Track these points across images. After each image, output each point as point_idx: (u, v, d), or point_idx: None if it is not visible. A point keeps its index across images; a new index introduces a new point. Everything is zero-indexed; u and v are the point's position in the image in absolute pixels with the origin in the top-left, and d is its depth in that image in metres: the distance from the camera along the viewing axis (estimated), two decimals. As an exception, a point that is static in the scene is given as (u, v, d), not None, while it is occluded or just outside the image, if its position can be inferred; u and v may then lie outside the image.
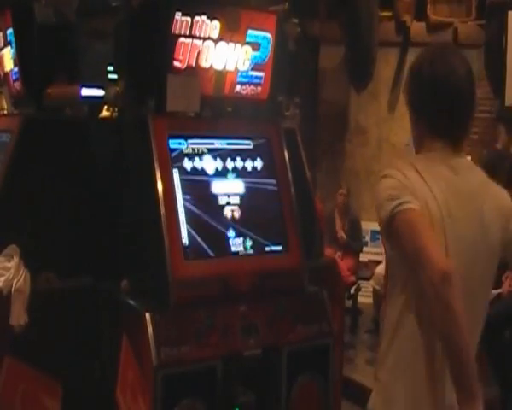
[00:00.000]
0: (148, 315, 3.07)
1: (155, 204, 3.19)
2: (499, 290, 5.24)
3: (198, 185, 3.38)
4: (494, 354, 5.04)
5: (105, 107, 3.91)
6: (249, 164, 3.59)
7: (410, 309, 2.15)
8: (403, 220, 2.07)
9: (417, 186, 2.11)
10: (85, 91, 3.62)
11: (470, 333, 2.06)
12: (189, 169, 3.38)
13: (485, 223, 2.17)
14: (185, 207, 3.28)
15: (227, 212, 3.44)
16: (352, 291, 7.81)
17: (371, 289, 7.93)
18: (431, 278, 1.95)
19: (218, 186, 3.45)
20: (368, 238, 9.03)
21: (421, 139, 2.26)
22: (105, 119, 3.90)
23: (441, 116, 2.19)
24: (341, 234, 7.94)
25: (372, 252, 8.85)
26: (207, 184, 3.42)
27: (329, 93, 9.32)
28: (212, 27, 3.46)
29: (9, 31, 3.86)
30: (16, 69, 3.87)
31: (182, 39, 3.38)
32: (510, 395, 4.92)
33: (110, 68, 3.93)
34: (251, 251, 3.46)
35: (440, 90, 2.16)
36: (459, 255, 2.11)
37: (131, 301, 3.26)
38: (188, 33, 3.38)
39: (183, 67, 3.42)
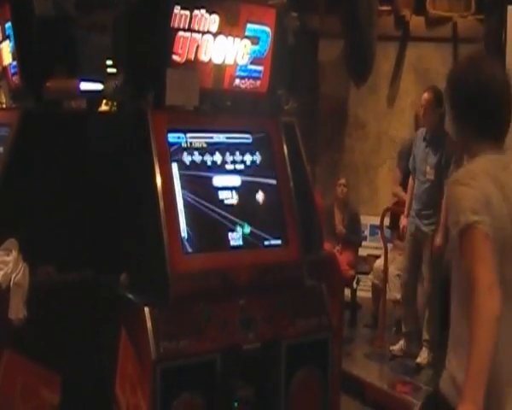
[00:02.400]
0: (146, 309, 3.07)
1: (154, 198, 3.19)
2: None
3: (197, 179, 3.38)
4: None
5: (104, 101, 3.91)
6: (248, 158, 3.60)
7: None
8: (473, 239, 2.25)
9: (494, 200, 2.31)
10: (84, 85, 3.62)
11: None
12: (187, 163, 3.38)
13: None
14: (184, 201, 3.28)
15: (226, 206, 3.44)
16: (355, 286, 7.81)
17: (370, 284, 7.94)
18: (479, 311, 2.16)
19: (216, 180, 3.45)
20: (367, 233, 9.02)
21: (468, 144, 2.48)
22: (104, 113, 3.90)
23: (487, 118, 2.41)
24: (340, 228, 7.92)
25: (371, 246, 8.85)
26: (206, 178, 3.42)
27: (329, 87, 9.31)
28: (211, 21, 3.45)
29: (8, 24, 3.85)
30: (15, 63, 3.86)
31: (181, 33, 3.38)
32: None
33: (109, 62, 3.92)
34: (250, 245, 3.47)
35: (486, 95, 2.39)
36: None
37: (130, 295, 3.26)
38: (187, 27, 3.38)
39: (182, 60, 3.42)
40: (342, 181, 8.07)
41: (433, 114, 6.11)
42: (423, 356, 6.19)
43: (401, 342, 6.51)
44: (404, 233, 6.55)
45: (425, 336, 6.23)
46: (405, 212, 6.58)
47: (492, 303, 2.17)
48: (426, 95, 6.20)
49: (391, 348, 6.54)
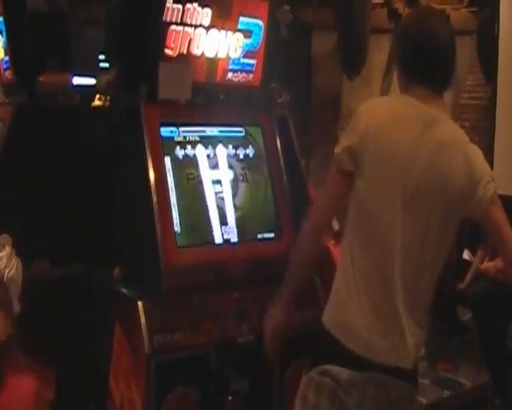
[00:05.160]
0: (140, 303, 3.07)
1: (147, 192, 3.19)
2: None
3: (190, 173, 3.38)
4: (483, 341, 5.08)
5: (97, 95, 3.91)
6: (241, 151, 3.60)
7: None
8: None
9: (375, 135, 2.33)
10: (77, 80, 3.62)
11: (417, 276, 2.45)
12: (180, 157, 3.37)
13: (448, 177, 2.34)
14: (177, 195, 3.28)
15: (219, 199, 3.44)
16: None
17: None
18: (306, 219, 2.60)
19: (210, 174, 3.45)
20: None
21: (406, 87, 2.48)
22: (97, 107, 3.89)
23: (426, 68, 2.42)
24: (334, 222, 7.93)
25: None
26: (199, 172, 3.42)
27: (322, 80, 9.30)
28: (204, 15, 3.45)
29: (0, 19, 3.84)
30: (7, 58, 3.86)
31: (173, 27, 3.37)
32: (501, 381, 4.93)
33: (102, 57, 3.92)
34: (243, 238, 3.47)
35: (426, 46, 2.40)
36: (413, 201, 2.35)
37: (124, 289, 3.26)
38: (179, 21, 3.38)
39: (175, 54, 3.41)
40: None
41: None
42: None
43: None
44: None
45: None
46: None
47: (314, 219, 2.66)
48: None
49: None
